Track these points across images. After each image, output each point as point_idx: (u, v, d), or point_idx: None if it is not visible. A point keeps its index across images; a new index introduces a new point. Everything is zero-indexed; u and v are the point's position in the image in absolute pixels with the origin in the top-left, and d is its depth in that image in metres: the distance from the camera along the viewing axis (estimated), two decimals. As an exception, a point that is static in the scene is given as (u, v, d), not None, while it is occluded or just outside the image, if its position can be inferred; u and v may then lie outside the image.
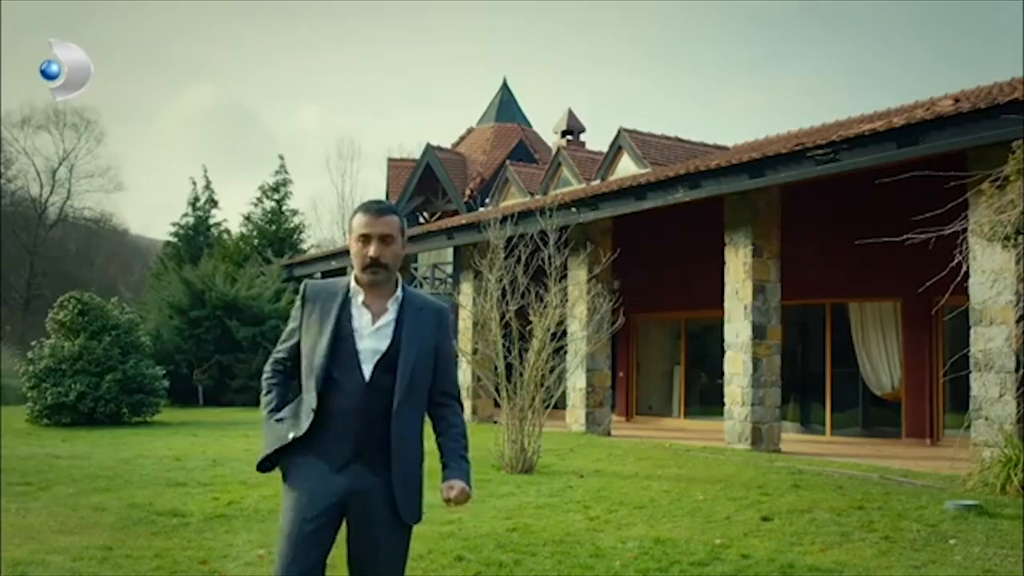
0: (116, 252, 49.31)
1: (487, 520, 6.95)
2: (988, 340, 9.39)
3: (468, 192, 26.57)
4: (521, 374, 10.29)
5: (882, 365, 15.15)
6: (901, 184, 9.30)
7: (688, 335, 18.80)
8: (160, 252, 31.08)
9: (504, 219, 12.05)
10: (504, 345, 10.53)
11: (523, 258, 10.80)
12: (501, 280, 10.71)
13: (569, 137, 25.71)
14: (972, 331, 9.56)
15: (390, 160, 30.29)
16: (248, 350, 22.59)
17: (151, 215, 76.65)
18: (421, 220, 27.92)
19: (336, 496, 2.99)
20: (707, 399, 17.57)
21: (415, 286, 26.27)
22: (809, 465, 10.34)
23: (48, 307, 17.93)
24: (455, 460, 3.13)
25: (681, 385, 18.78)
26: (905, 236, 8.67)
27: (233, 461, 10.27)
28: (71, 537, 6.30)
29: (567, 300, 11.86)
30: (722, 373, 13.06)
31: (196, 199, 30.39)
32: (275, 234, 27.93)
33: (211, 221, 30.43)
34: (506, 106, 29.69)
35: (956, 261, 8.62)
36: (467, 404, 17.91)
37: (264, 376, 3.26)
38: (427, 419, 3.19)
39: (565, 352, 11.72)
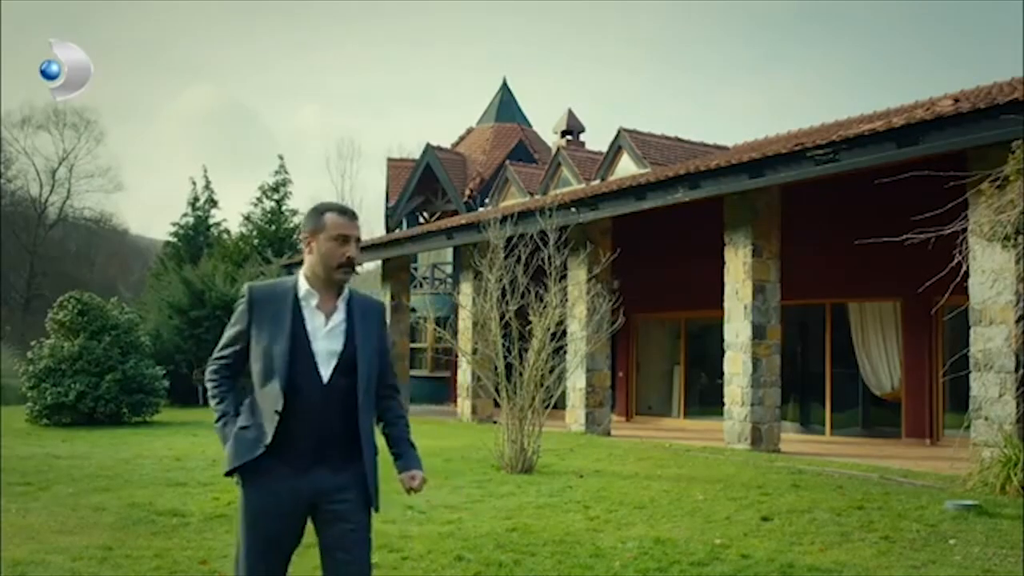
0: (116, 252, 49.30)
1: (487, 520, 6.95)
2: (988, 340, 9.39)
3: (468, 192, 26.54)
4: (521, 374, 10.29)
5: (882, 365, 15.15)
6: (901, 184, 9.30)
7: (688, 335, 18.80)
8: (160, 252, 31.04)
9: (504, 219, 12.05)
10: (504, 345, 10.53)
11: (523, 258, 10.81)
12: (501, 280, 10.71)
13: (569, 137, 25.68)
14: (972, 331, 9.56)
15: (390, 160, 30.29)
16: (248, 350, 22.52)
17: (151, 215, 76.69)
18: (421, 220, 27.92)
19: (303, 500, 3.04)
20: (707, 399, 17.57)
21: (415, 286, 26.34)
22: (809, 465, 10.34)
23: (48, 307, 17.92)
24: (408, 449, 3.29)
25: (681, 385, 18.78)
26: (905, 236, 8.67)
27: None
28: (71, 537, 6.31)
29: (567, 300, 11.86)
30: (722, 373, 13.06)
31: (196, 199, 30.35)
32: (275, 234, 27.89)
33: (211, 221, 30.37)
34: (506, 106, 29.65)
35: (956, 261, 8.61)
36: (467, 404, 17.91)
37: (209, 381, 3.24)
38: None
39: (565, 352, 11.72)
